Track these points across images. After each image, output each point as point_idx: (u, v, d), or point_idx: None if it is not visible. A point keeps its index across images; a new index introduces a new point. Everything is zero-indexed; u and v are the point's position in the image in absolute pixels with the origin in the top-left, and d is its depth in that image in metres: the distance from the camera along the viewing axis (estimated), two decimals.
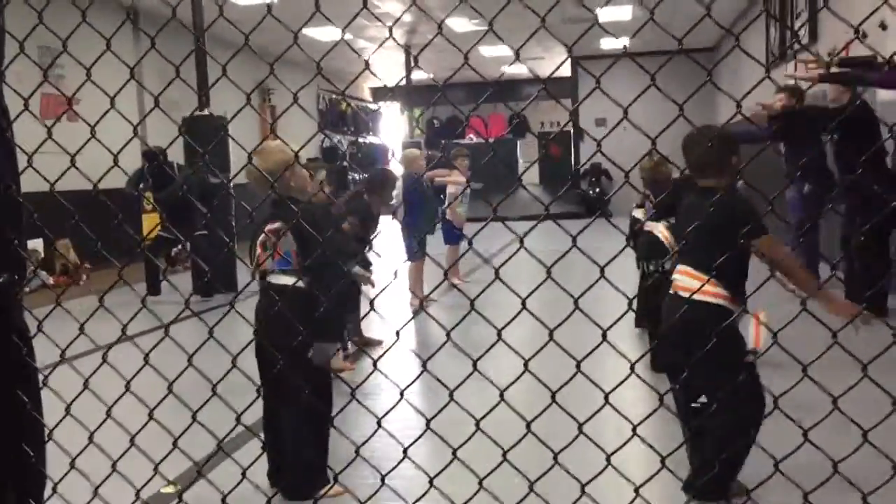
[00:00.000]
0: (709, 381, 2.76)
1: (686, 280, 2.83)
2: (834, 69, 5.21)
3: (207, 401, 2.18)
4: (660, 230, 5.43)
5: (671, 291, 2.94)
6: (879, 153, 5.85)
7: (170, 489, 3.28)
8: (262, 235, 3.23)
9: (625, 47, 1.88)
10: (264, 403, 3.15)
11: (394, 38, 1.83)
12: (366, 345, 6.01)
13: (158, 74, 11.95)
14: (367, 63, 1.82)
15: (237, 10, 12.36)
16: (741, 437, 2.71)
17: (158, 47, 2.16)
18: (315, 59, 2.00)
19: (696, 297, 2.62)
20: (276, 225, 3.16)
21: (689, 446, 2.87)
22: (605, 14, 13.82)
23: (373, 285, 5.08)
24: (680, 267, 2.90)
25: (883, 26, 7.07)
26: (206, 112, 8.73)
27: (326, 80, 1.94)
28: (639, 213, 7.00)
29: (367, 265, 5.42)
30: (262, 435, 3.29)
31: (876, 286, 5.86)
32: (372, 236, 5.81)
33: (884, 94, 7.21)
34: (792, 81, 5.52)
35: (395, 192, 7.62)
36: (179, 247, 10.06)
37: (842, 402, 1.84)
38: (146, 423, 2.28)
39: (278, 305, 2.85)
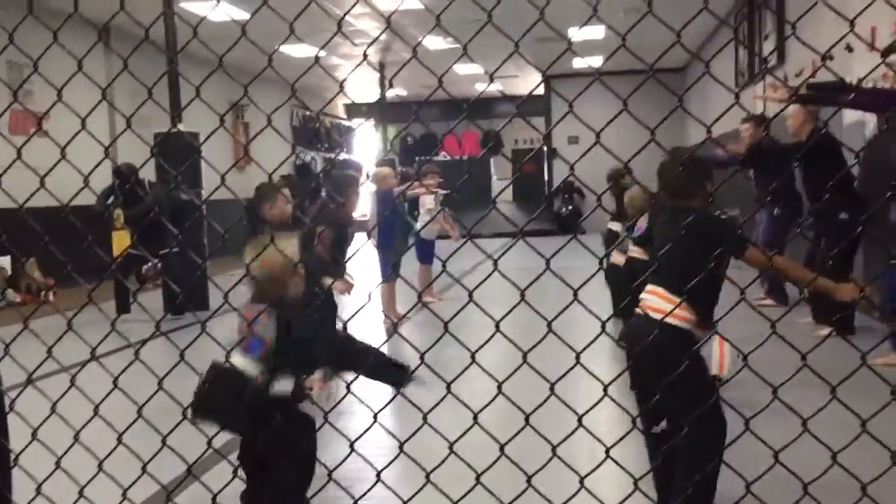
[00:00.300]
0: (673, 406, 2.76)
1: (657, 301, 2.82)
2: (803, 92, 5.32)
3: (177, 425, 2.16)
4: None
5: (640, 311, 2.93)
6: (846, 179, 5.98)
7: None
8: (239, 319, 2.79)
9: (597, 72, 1.90)
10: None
11: (369, 63, 1.84)
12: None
13: (130, 93, 11.86)
14: (341, 85, 1.82)
15: (211, 26, 12.32)
16: (707, 462, 2.70)
17: (131, 63, 2.14)
18: (289, 78, 2.00)
19: (665, 319, 2.62)
20: (259, 307, 2.70)
21: (655, 474, 2.85)
22: (578, 32, 13.95)
23: (349, 293, 5.04)
24: (651, 287, 2.90)
25: (849, 49, 7.21)
26: (178, 129, 8.68)
27: (301, 103, 1.94)
28: (615, 226, 7.12)
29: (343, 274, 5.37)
30: (231, 457, 3.24)
31: (844, 306, 5.95)
32: (347, 247, 5.78)
33: (850, 118, 7.34)
34: (759, 108, 5.63)
35: (365, 205, 7.55)
36: (150, 265, 9.96)
37: (811, 422, 1.86)
38: (115, 448, 2.25)
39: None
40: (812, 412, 1.89)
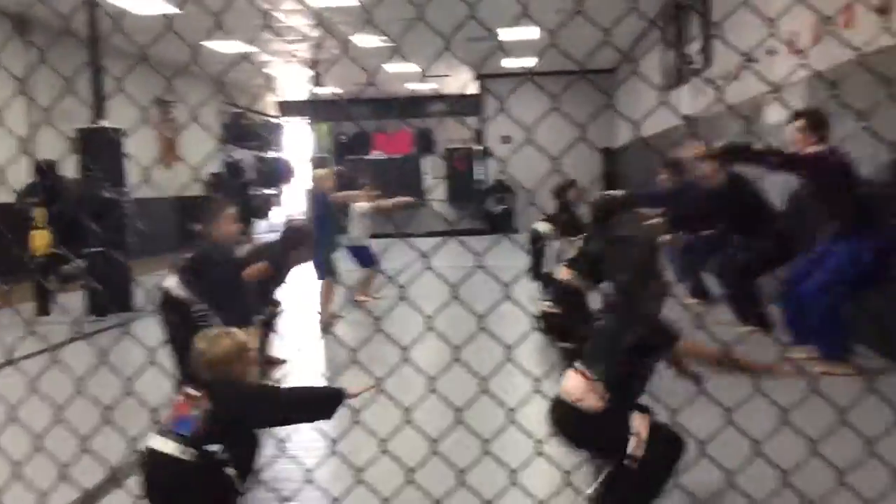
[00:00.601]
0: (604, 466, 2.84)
1: (574, 383, 2.70)
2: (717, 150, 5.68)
3: (98, 427, 2.08)
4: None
5: (559, 395, 2.92)
6: (767, 214, 6.29)
7: None
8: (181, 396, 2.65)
9: (530, 72, 1.91)
10: None
11: (297, 58, 1.80)
12: (269, 364, 5.88)
13: (51, 87, 11.47)
14: (270, 80, 1.78)
15: (135, 20, 11.98)
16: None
17: (52, 55, 2.06)
18: (217, 73, 1.95)
19: (578, 404, 2.65)
20: (195, 393, 2.59)
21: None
22: (512, 32, 14.03)
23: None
24: (576, 365, 2.88)
25: (771, 52, 7.44)
26: (101, 124, 8.42)
27: (227, 103, 1.89)
28: (541, 227, 7.19)
29: (275, 305, 5.33)
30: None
31: (758, 306, 6.25)
32: (275, 287, 5.71)
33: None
34: (685, 110, 5.89)
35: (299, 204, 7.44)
36: (72, 265, 9.65)
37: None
38: (32, 453, 2.16)
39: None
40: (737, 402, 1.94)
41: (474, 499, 1.96)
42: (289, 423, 2.50)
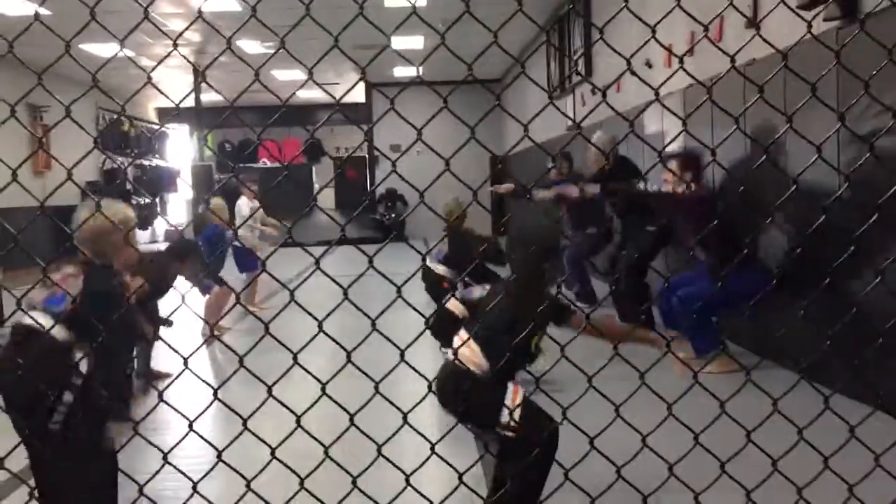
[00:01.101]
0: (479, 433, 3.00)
1: (461, 350, 2.96)
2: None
3: None
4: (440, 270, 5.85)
5: (446, 359, 3.11)
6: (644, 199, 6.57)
7: None
8: (60, 273, 2.76)
9: (419, 75, 1.90)
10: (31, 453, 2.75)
11: (179, 53, 1.74)
12: (153, 378, 5.67)
13: None
14: (149, 77, 1.71)
15: (4, 20, 11.37)
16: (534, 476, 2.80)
17: None
18: (92, 72, 1.87)
19: (460, 366, 2.89)
20: (69, 269, 2.73)
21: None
22: (397, 43, 14.08)
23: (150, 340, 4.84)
24: (462, 333, 3.10)
25: (649, 64, 7.75)
26: None
27: (103, 93, 1.81)
28: (439, 269, 6.79)
29: (159, 321, 5.16)
30: (31, 481, 2.98)
31: (643, 304, 6.55)
32: (157, 298, 5.53)
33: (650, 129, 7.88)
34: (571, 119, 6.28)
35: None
36: None
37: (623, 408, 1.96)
38: None
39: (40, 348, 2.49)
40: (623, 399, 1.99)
41: (369, 503, 1.93)
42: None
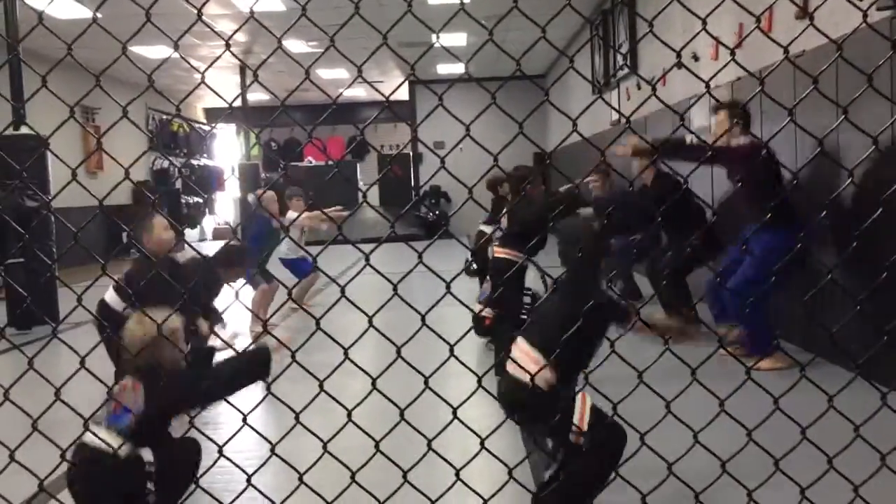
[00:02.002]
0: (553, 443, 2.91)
1: (522, 360, 2.81)
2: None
3: (27, 438, 2.01)
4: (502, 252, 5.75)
5: (508, 369, 2.93)
6: (698, 215, 6.45)
7: None
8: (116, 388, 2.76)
9: (467, 71, 1.91)
10: None
11: (231, 52, 1.77)
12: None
13: None
14: (202, 77, 1.75)
15: (57, 24, 11.65)
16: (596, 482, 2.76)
17: None
18: (144, 79, 1.91)
19: (526, 380, 2.64)
20: (126, 382, 2.72)
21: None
22: (442, 40, 14.13)
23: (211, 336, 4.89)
24: (521, 342, 2.91)
25: (695, 57, 7.65)
26: (22, 132, 8.12)
27: (159, 93, 1.85)
28: (486, 228, 7.35)
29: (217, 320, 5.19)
30: None
31: (687, 304, 6.47)
32: (213, 301, 5.59)
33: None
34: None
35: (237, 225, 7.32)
36: None
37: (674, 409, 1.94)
38: None
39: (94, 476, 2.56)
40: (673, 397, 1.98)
41: (419, 497, 1.95)
42: (228, 393, 2.63)
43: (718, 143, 5.19)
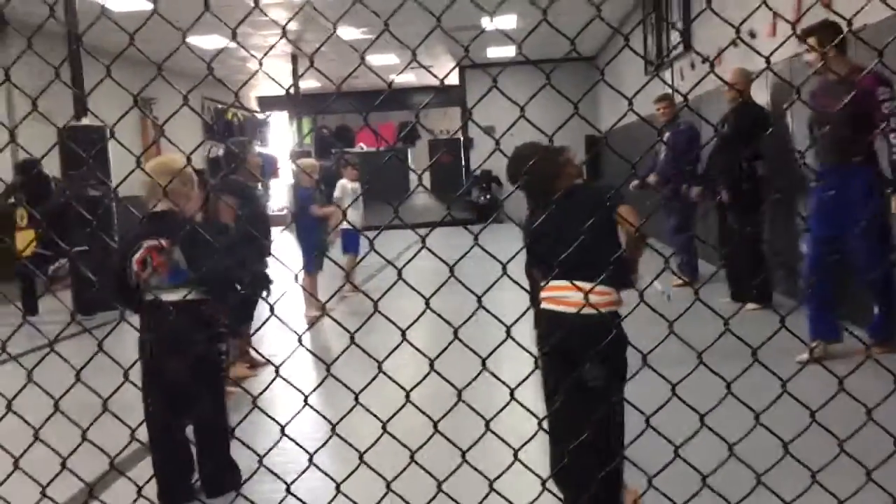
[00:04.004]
0: (604, 385, 2.69)
1: (574, 295, 2.63)
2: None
3: (98, 417, 2.08)
4: None
5: (557, 309, 2.78)
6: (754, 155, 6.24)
7: None
8: (140, 252, 3.17)
9: (520, 52, 1.90)
10: (154, 422, 3.15)
11: (288, 39, 1.80)
12: (252, 366, 5.83)
13: (31, 90, 11.33)
14: (260, 64, 1.78)
15: (114, 17, 11.87)
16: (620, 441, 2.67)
17: (30, 56, 2.05)
18: (199, 70, 1.95)
19: (592, 310, 2.45)
20: (154, 242, 3.13)
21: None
22: (491, 23, 14.05)
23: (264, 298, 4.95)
24: (561, 283, 2.72)
25: (752, 34, 7.48)
26: (84, 122, 8.34)
27: (218, 80, 1.88)
28: None
29: (266, 283, 5.24)
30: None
31: (758, 277, 6.28)
32: (267, 239, 5.65)
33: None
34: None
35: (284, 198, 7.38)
36: (58, 264, 9.58)
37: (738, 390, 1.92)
38: (31, 444, 2.15)
39: (173, 319, 2.95)
40: (734, 377, 1.95)
41: (479, 478, 1.97)
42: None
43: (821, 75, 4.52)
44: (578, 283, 2.45)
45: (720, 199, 6.66)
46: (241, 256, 4.39)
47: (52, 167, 9.16)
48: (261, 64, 1.80)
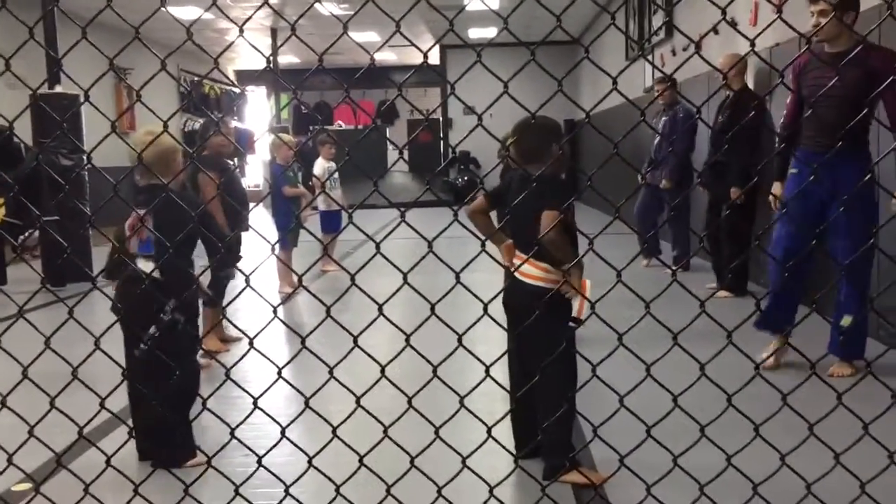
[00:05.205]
0: (536, 354, 2.83)
1: (521, 266, 2.97)
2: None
3: (67, 385, 2.05)
4: None
5: (523, 281, 3.02)
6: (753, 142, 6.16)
7: (22, 486, 3.08)
8: (131, 218, 3.38)
9: (506, 27, 1.88)
10: (129, 387, 3.32)
11: (270, 6, 1.77)
12: (224, 342, 5.78)
13: (1, 48, 11.11)
14: (241, 29, 1.75)
15: None
16: (567, 395, 2.78)
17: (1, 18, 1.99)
18: (176, 40, 1.91)
19: (526, 280, 2.90)
20: (143, 211, 3.20)
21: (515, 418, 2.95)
22: (472, 3, 13.97)
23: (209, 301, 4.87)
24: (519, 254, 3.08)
25: (734, 22, 7.50)
26: (57, 90, 8.19)
27: (198, 47, 1.85)
28: None
29: (233, 259, 5.16)
30: (129, 421, 3.18)
31: (731, 268, 6.28)
32: (243, 210, 5.61)
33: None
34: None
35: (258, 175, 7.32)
36: (27, 233, 9.44)
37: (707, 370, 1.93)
38: None
39: (139, 290, 3.00)
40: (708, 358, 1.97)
41: (451, 454, 1.97)
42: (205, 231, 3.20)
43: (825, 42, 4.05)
44: (519, 254, 2.96)
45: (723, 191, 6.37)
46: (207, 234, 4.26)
47: (24, 135, 9.00)
48: (241, 31, 1.77)
